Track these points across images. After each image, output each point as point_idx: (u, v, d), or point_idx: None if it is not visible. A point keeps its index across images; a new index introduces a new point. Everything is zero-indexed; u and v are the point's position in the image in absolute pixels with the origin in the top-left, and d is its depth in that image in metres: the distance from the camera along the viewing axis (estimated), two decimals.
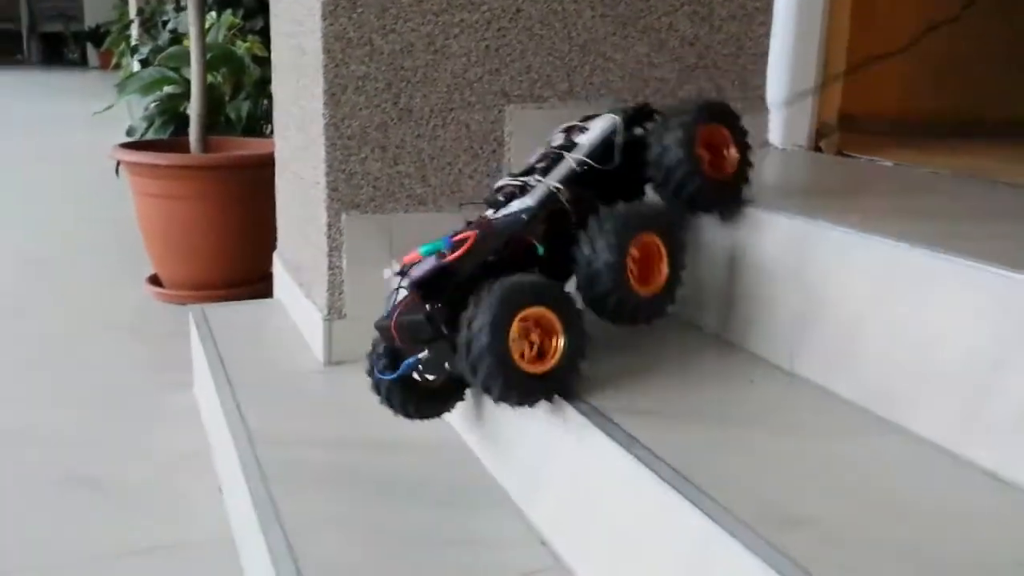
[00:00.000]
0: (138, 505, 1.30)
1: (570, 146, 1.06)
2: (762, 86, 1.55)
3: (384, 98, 1.35)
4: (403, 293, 0.95)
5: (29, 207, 3.26)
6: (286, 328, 1.59)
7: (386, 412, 1.06)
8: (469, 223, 1.00)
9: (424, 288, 0.92)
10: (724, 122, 1.07)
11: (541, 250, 0.97)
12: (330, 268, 1.40)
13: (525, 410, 0.93)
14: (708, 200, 1.06)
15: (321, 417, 1.25)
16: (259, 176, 2.12)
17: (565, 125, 1.12)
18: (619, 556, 0.82)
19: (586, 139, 1.06)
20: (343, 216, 1.38)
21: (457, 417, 1.16)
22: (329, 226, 1.38)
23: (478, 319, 0.86)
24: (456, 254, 0.91)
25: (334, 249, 1.40)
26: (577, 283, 0.97)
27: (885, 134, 1.65)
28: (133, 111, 4.89)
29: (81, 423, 1.57)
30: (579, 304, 0.95)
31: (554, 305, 0.90)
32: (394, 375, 1.00)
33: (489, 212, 1.03)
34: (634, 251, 0.95)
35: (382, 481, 1.06)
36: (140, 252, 2.32)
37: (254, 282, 2.21)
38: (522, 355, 0.88)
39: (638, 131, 1.11)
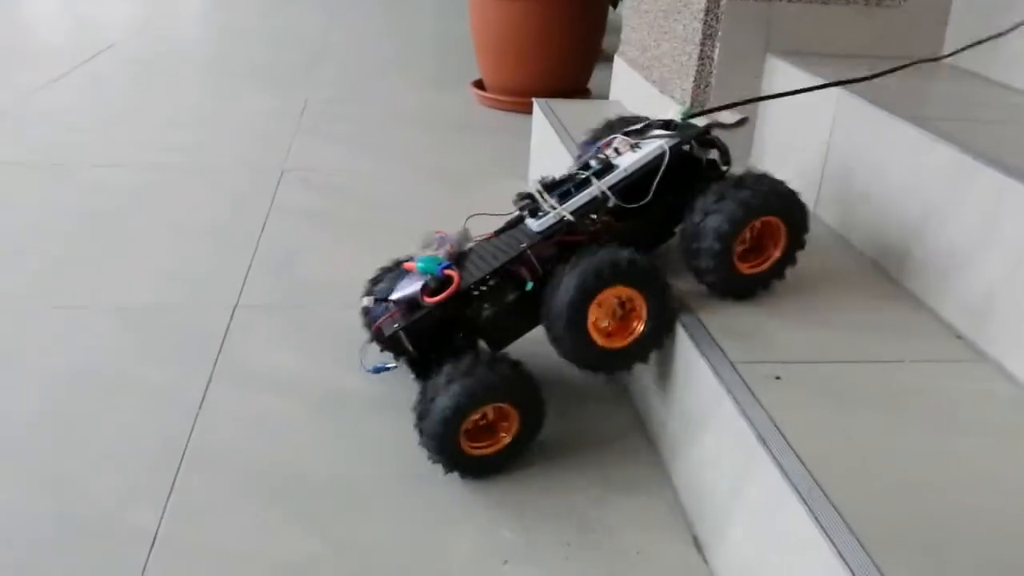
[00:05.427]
0: None
1: (604, 169, 0.95)
2: None
3: None
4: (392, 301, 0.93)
5: (350, 20, 3.44)
6: None
7: None
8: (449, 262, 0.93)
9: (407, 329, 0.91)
10: (782, 215, 0.92)
11: (530, 286, 0.92)
12: (700, 58, 1.35)
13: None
14: (730, 291, 0.95)
15: None
16: None
17: (614, 134, 1.00)
18: None
19: (622, 166, 0.95)
20: (723, 1, 1.31)
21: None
22: (707, 11, 1.31)
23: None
24: (436, 299, 0.89)
25: (707, 38, 1.33)
26: None
27: None
28: None
29: (431, 196, 1.67)
30: None
31: None
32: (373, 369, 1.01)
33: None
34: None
35: None
36: (462, 61, 2.38)
37: (573, 94, 2.21)
38: None
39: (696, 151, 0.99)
